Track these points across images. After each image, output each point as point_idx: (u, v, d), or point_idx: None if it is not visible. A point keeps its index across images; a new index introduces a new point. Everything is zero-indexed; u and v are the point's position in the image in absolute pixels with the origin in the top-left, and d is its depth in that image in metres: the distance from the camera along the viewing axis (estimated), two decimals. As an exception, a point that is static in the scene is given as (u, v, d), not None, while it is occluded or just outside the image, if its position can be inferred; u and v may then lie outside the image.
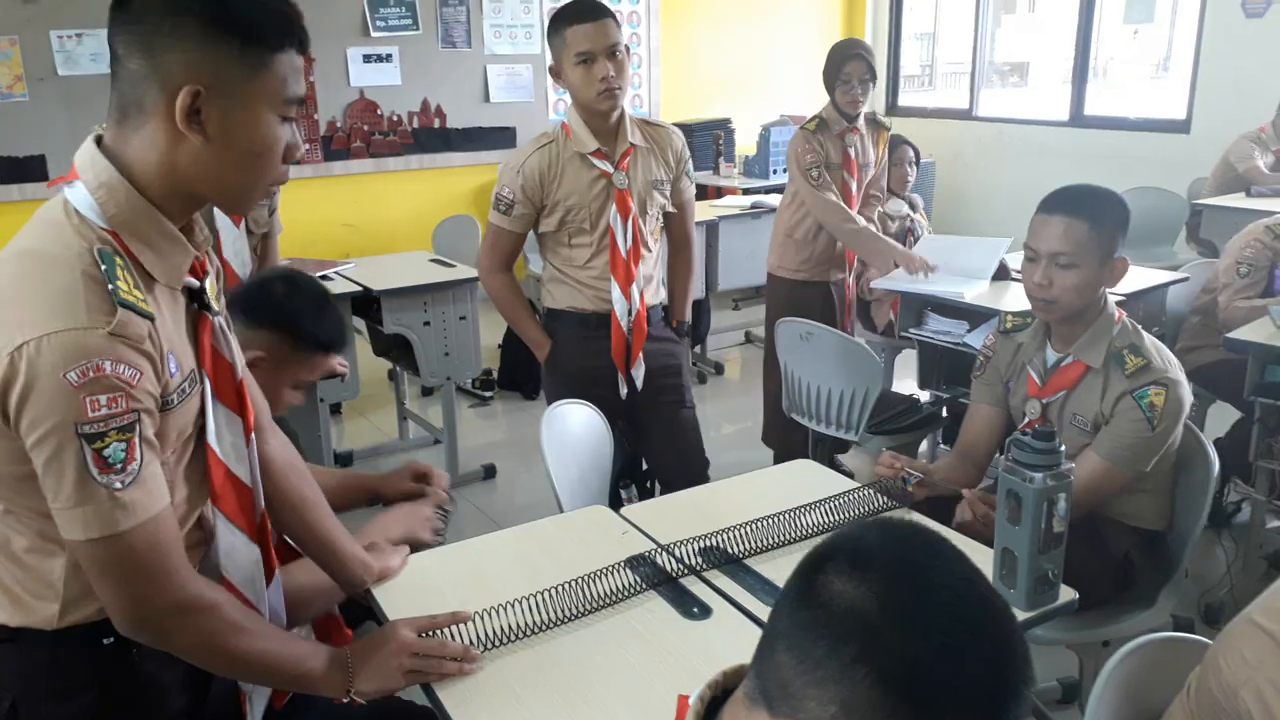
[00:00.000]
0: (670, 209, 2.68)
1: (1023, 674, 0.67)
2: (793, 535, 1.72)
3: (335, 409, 4.37)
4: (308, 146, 5.44)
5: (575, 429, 2.36)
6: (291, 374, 1.82)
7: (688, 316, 2.86)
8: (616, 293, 2.55)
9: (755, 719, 0.74)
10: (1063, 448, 1.47)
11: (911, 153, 4.37)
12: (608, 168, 2.49)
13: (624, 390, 2.64)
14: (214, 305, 1.26)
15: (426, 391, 4.76)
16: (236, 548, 1.32)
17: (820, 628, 0.68)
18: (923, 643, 0.66)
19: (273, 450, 1.45)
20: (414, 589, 1.59)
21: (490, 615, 1.43)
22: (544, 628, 1.45)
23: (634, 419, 2.72)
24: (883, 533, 0.74)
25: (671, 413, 2.74)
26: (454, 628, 1.41)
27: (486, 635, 1.41)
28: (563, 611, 1.48)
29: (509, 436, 4.40)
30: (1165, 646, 1.39)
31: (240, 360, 1.32)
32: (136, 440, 1.09)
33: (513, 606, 1.45)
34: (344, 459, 4.03)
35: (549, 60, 2.53)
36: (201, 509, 1.32)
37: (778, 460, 3.77)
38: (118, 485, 1.07)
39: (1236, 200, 4.85)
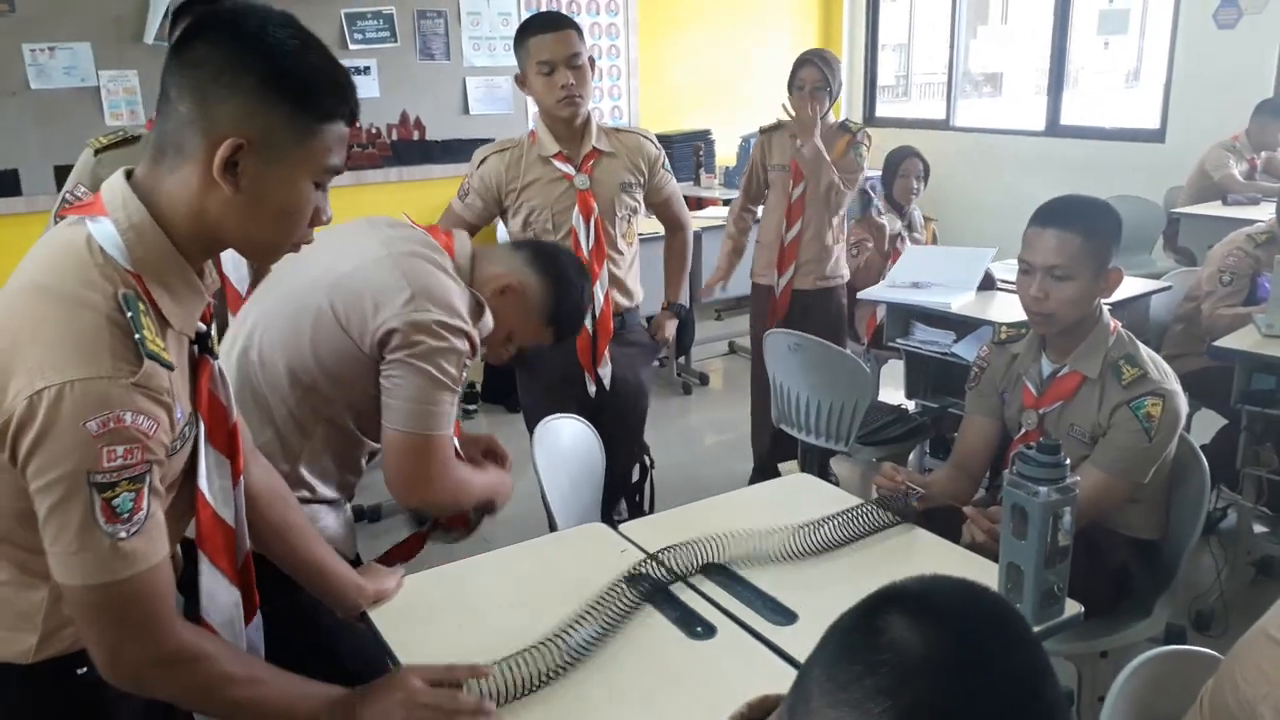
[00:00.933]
0: (652, 204, 2.82)
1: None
2: (794, 551, 1.69)
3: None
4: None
5: (566, 443, 2.34)
6: (523, 330, 1.86)
7: (681, 298, 2.98)
8: None
9: None
10: (1067, 461, 1.46)
11: (920, 165, 4.19)
12: (569, 170, 2.60)
13: (592, 389, 2.72)
14: (215, 349, 1.26)
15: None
16: (218, 589, 1.30)
17: (858, 652, 0.66)
18: (956, 705, 0.63)
19: (254, 479, 1.42)
20: (411, 611, 1.56)
21: (510, 668, 1.34)
22: (561, 672, 1.38)
23: (599, 420, 2.73)
24: (957, 589, 0.70)
25: (629, 405, 2.82)
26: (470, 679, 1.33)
27: (505, 689, 1.33)
28: (580, 652, 1.42)
29: (493, 451, 4.35)
30: (1174, 659, 1.39)
31: (234, 404, 1.30)
32: (145, 490, 1.07)
33: (531, 655, 1.37)
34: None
35: (510, 72, 2.66)
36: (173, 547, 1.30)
37: (756, 469, 3.81)
38: (122, 534, 1.06)
39: (1213, 209, 4.91)
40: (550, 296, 1.85)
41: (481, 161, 2.65)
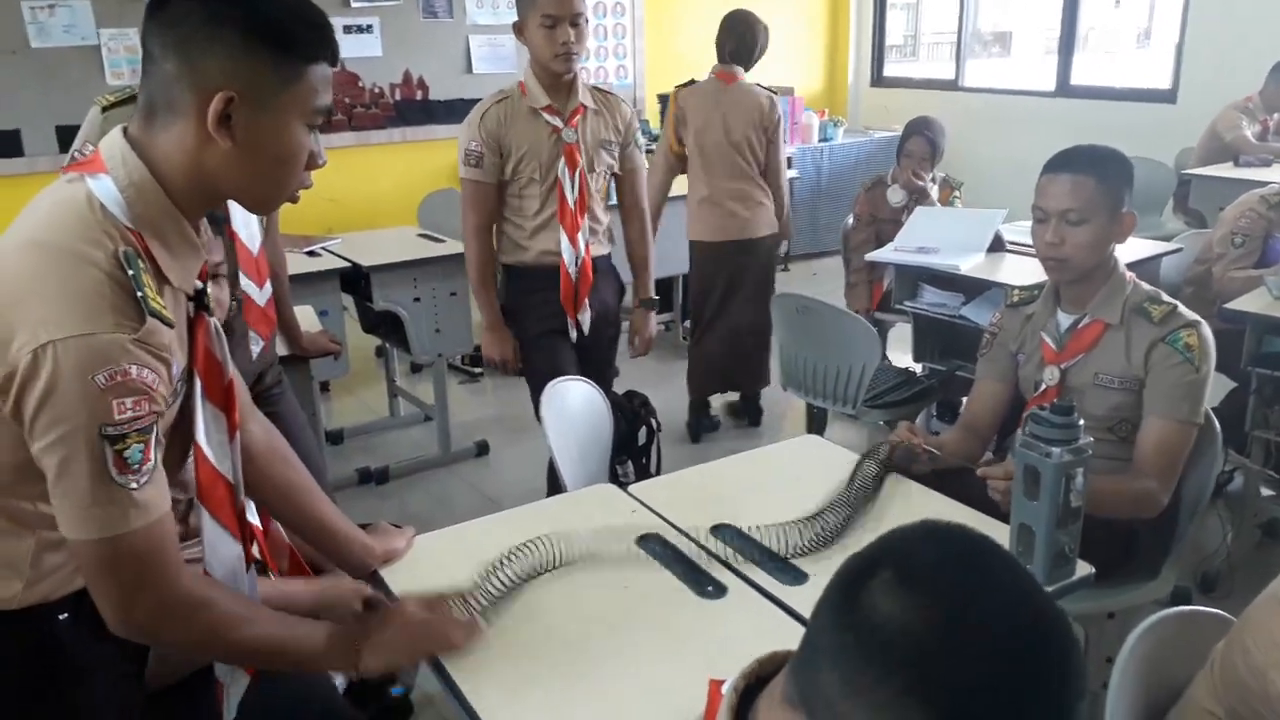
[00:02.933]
0: (618, 171, 2.84)
1: (1079, 690, 0.66)
2: (807, 512, 1.69)
3: (324, 386, 4.32)
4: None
5: (575, 406, 2.33)
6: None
7: (653, 291, 2.97)
8: (564, 240, 2.71)
9: None
10: (1081, 421, 1.45)
11: (927, 145, 3.85)
12: (558, 123, 2.65)
13: (573, 334, 2.82)
14: (212, 306, 1.28)
15: (415, 368, 4.71)
16: (220, 543, 1.31)
17: (869, 654, 0.66)
18: (976, 674, 0.63)
19: (253, 437, 1.43)
20: (422, 571, 1.56)
21: (493, 575, 1.45)
22: (542, 569, 1.49)
23: (581, 363, 2.87)
24: (932, 546, 0.71)
25: (601, 355, 2.93)
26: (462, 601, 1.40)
27: (494, 592, 1.42)
28: (560, 560, 1.52)
29: (500, 413, 4.36)
30: (1184, 620, 1.38)
31: (229, 360, 1.31)
32: (152, 441, 1.09)
33: (506, 560, 1.48)
34: (334, 437, 3.99)
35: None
36: None
37: (695, 408, 4.07)
38: (134, 485, 1.08)
39: (1225, 170, 4.86)
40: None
41: (483, 116, 2.66)
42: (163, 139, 1.13)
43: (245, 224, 2.26)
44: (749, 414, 4.19)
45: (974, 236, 3.42)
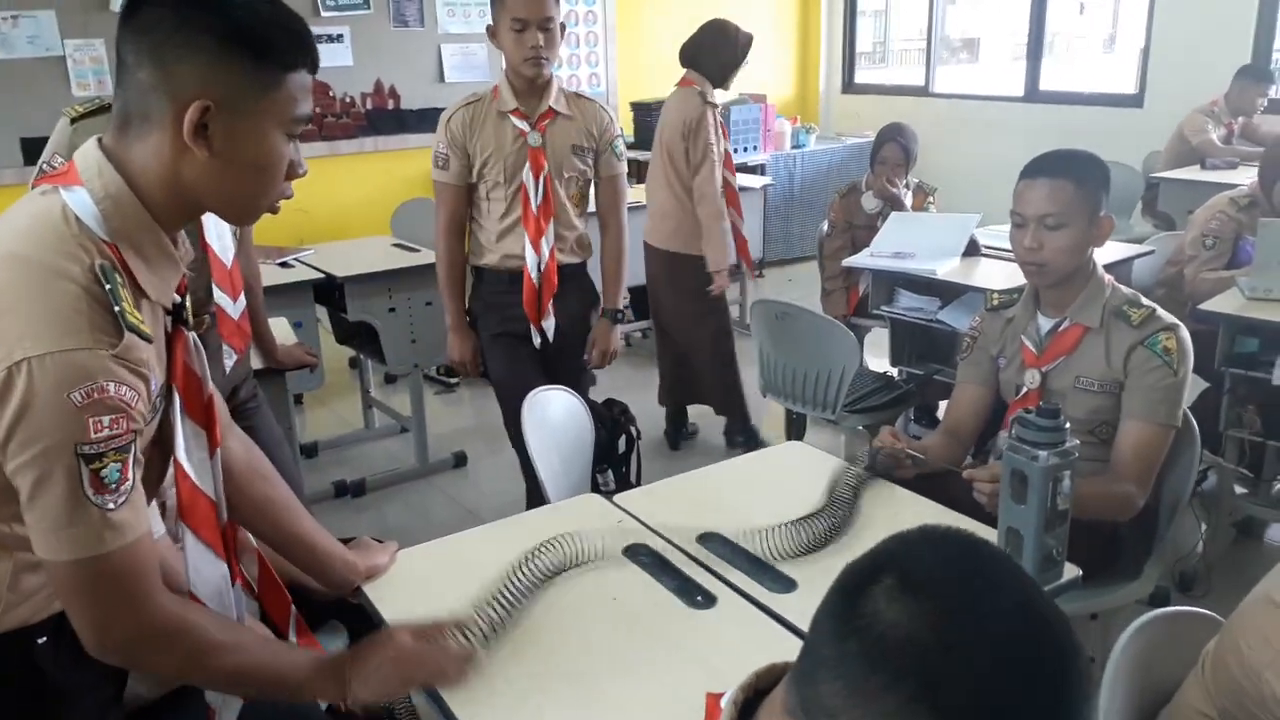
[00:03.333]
0: (592, 177, 2.79)
1: (1084, 692, 0.65)
2: (793, 519, 1.69)
3: (297, 399, 4.26)
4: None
5: (555, 415, 2.31)
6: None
7: (619, 304, 2.88)
8: (527, 245, 2.69)
9: None
10: (1068, 425, 1.46)
11: (900, 151, 3.87)
12: (524, 126, 2.64)
13: (537, 340, 2.78)
14: (190, 320, 1.25)
15: (390, 379, 4.67)
16: (204, 562, 1.28)
17: (873, 662, 0.65)
18: (983, 678, 0.63)
19: (233, 454, 1.40)
20: (406, 586, 1.54)
21: (492, 606, 1.39)
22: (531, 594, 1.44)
23: (550, 371, 2.83)
24: (933, 551, 0.70)
25: (571, 364, 2.87)
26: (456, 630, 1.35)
27: (489, 629, 1.36)
28: (549, 575, 1.48)
29: (478, 423, 4.33)
30: (1173, 621, 1.39)
31: (208, 375, 1.28)
32: (130, 460, 1.06)
33: (504, 589, 1.44)
34: (309, 450, 3.94)
35: (486, 39, 2.69)
36: None
37: (670, 417, 4.04)
38: (110, 505, 1.05)
39: (1192, 173, 4.93)
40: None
41: (450, 119, 2.68)
42: (139, 150, 1.10)
43: (218, 236, 2.22)
44: (734, 435, 4.01)
45: (949, 241, 3.44)
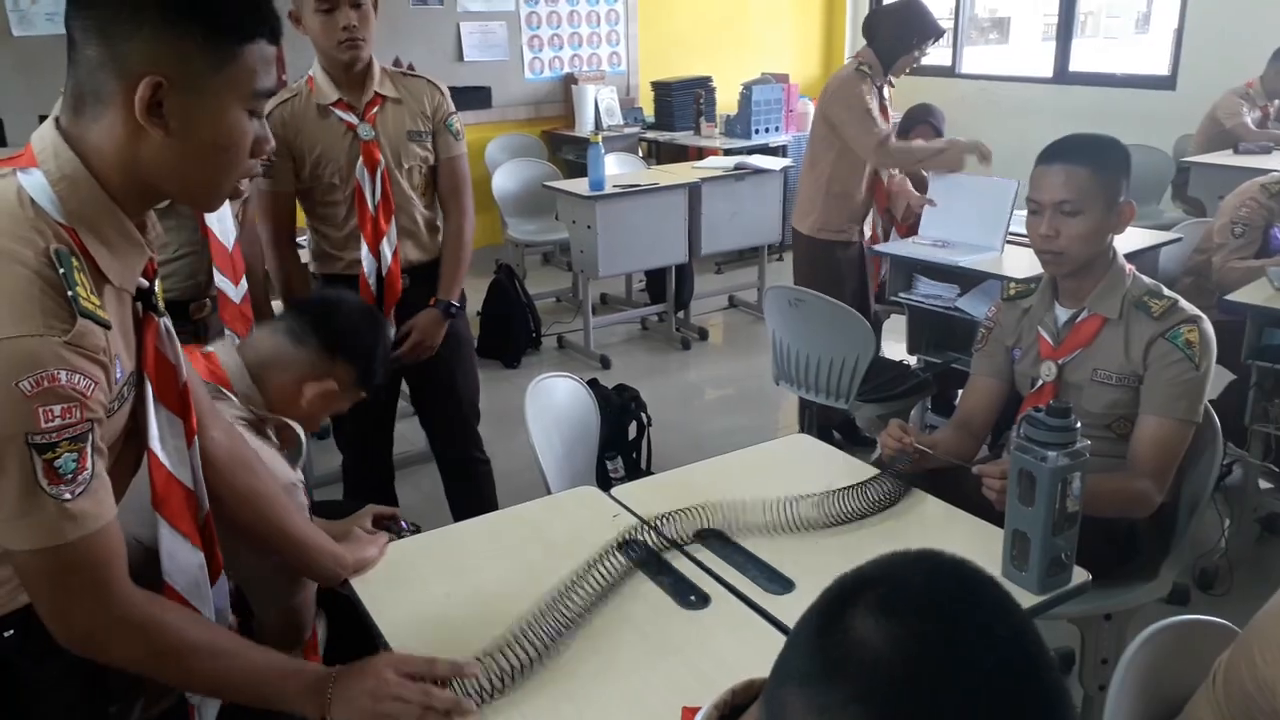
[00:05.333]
0: (432, 162, 2.52)
1: None
2: (792, 518, 1.64)
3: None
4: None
5: (561, 401, 2.28)
6: (341, 402, 1.76)
7: (454, 296, 2.54)
8: (365, 250, 2.43)
9: None
10: (1078, 424, 1.40)
11: (932, 133, 3.84)
12: (353, 119, 2.38)
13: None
14: (160, 306, 1.20)
15: (402, 361, 4.65)
16: (179, 551, 1.25)
17: (838, 676, 0.60)
18: (944, 715, 0.58)
19: (215, 444, 1.37)
20: (396, 580, 1.51)
21: (497, 657, 1.27)
22: (548, 656, 1.31)
23: (412, 380, 2.68)
24: (925, 574, 0.65)
25: (442, 368, 2.61)
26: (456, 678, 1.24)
27: (490, 686, 1.24)
28: (567, 629, 1.36)
29: (488, 406, 4.23)
30: (1186, 629, 1.33)
31: (184, 362, 1.25)
32: (89, 450, 1.03)
33: (515, 643, 1.30)
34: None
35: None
36: None
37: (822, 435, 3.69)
38: (67, 496, 1.01)
39: (1224, 158, 4.80)
40: (359, 371, 1.75)
41: (266, 118, 2.46)
42: (93, 131, 1.05)
43: (219, 219, 2.19)
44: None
45: (990, 219, 3.34)
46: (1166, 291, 1.96)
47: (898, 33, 3.42)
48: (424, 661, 1.23)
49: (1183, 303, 1.93)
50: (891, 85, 3.59)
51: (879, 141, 3.38)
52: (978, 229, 3.34)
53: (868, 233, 3.74)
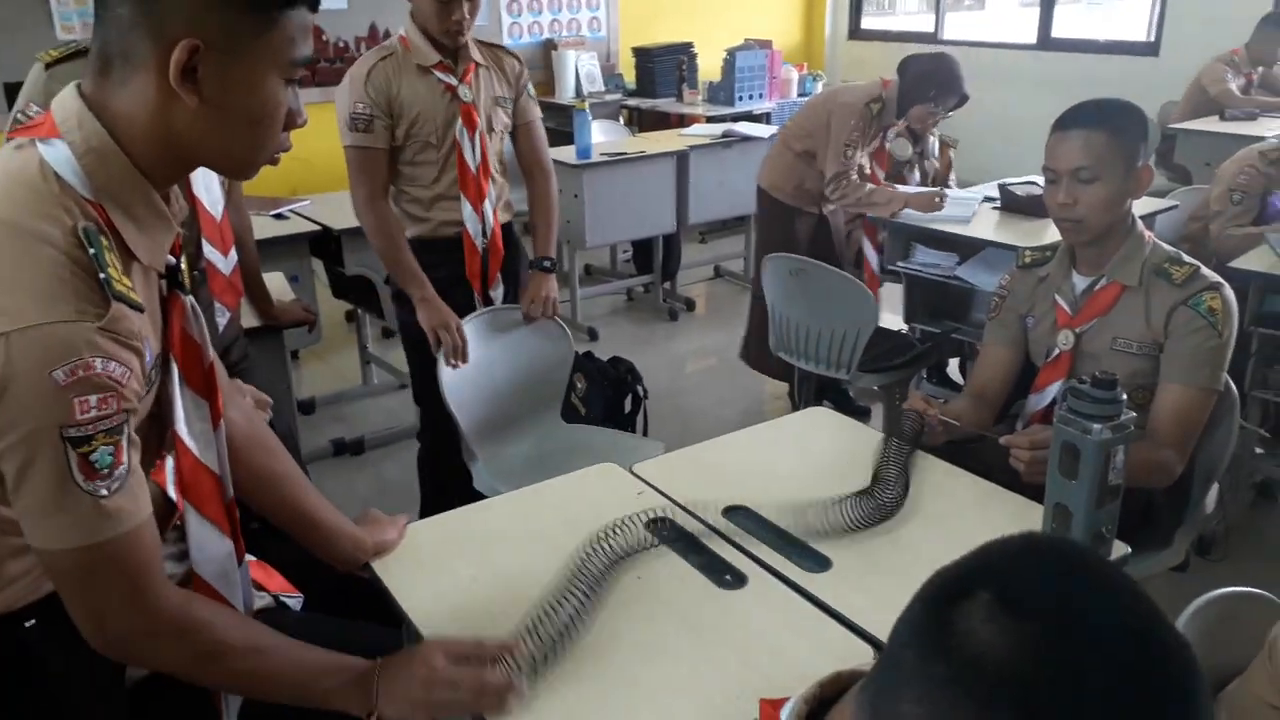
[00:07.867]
0: (515, 125, 2.62)
1: None
2: (826, 494, 1.60)
3: (293, 354, 4.17)
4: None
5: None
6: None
7: (552, 252, 2.65)
8: (468, 210, 2.51)
9: None
10: (1124, 396, 1.37)
11: (928, 114, 3.75)
12: (452, 80, 2.44)
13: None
14: (187, 284, 1.14)
15: (388, 334, 4.56)
16: (208, 540, 1.20)
17: (964, 687, 0.56)
18: (1089, 712, 0.54)
19: (234, 424, 1.31)
20: (418, 563, 1.45)
21: (536, 625, 1.24)
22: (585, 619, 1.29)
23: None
24: (1037, 565, 0.61)
25: None
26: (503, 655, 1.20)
27: (536, 660, 1.20)
28: (598, 587, 1.34)
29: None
30: (1232, 602, 1.32)
31: (209, 341, 1.18)
32: (124, 442, 0.97)
33: (552, 608, 1.27)
34: (305, 407, 3.85)
35: None
36: None
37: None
38: (103, 492, 0.95)
39: (1210, 124, 4.80)
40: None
41: (369, 74, 2.39)
42: (122, 97, 0.98)
43: (206, 188, 2.10)
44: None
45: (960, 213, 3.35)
46: (1187, 258, 1.94)
47: (918, 82, 3.36)
48: (472, 644, 1.18)
49: (1204, 269, 1.91)
50: (912, 132, 3.63)
51: (835, 176, 3.37)
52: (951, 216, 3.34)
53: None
